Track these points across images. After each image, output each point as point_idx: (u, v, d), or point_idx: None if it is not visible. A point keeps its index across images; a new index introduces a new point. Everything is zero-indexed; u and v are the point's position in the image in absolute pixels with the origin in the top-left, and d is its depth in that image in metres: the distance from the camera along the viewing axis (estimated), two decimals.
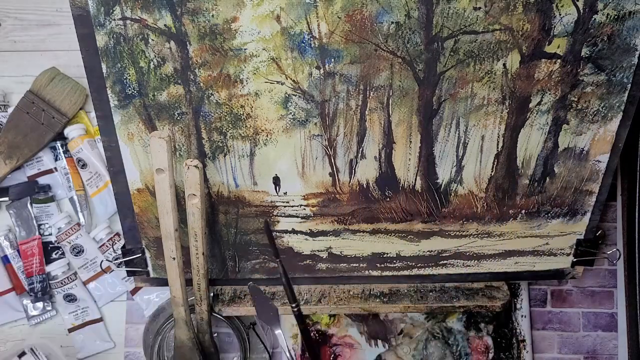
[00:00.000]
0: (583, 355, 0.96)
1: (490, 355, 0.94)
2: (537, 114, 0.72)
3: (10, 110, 0.86)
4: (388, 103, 0.71)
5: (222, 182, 0.77)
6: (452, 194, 0.78)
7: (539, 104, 0.71)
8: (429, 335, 0.94)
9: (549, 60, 0.68)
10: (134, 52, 0.68)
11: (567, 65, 0.68)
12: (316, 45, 0.67)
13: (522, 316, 0.93)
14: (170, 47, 0.68)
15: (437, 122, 0.73)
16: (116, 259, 0.87)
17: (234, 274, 0.85)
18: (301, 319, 0.83)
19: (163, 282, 0.83)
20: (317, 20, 0.66)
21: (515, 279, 0.88)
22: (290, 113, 0.72)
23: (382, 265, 0.84)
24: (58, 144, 0.88)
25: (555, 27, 0.66)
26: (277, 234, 0.81)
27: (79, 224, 0.89)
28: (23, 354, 0.87)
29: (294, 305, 0.81)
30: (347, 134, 0.74)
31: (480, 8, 0.65)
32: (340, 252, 0.83)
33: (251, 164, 0.76)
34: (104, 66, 0.69)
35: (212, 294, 0.86)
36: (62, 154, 0.88)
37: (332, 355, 0.95)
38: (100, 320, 0.93)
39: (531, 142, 0.74)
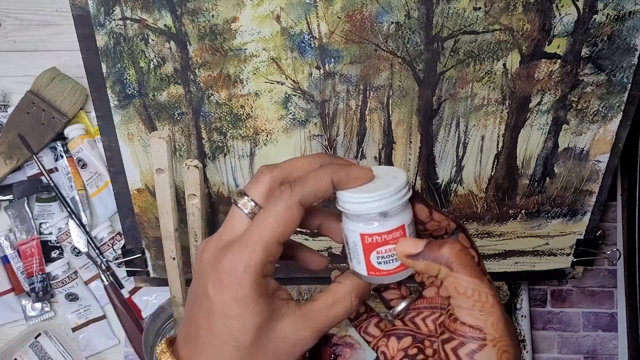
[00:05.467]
0: (583, 355, 0.96)
1: None
2: (537, 114, 0.72)
3: (10, 110, 0.86)
4: (388, 103, 0.71)
5: (222, 182, 0.77)
6: (452, 194, 0.78)
7: (539, 104, 0.71)
8: None
9: (549, 60, 0.68)
10: (134, 52, 0.68)
11: (567, 65, 0.68)
12: (316, 45, 0.67)
13: (522, 316, 0.93)
14: (170, 47, 0.68)
15: (437, 122, 0.73)
16: (116, 259, 0.87)
17: None
18: None
19: (163, 282, 0.83)
20: (317, 20, 0.66)
21: (515, 279, 0.88)
22: (290, 113, 0.72)
23: None
24: (58, 144, 0.88)
25: (555, 27, 0.66)
26: None
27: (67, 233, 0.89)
28: (38, 335, 0.92)
29: None
30: (347, 134, 0.74)
31: (480, 8, 0.65)
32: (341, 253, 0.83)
33: (251, 164, 0.76)
34: (104, 66, 0.69)
35: None
36: (63, 154, 0.88)
37: (332, 355, 0.95)
38: (103, 317, 0.93)
39: (531, 142, 0.74)
